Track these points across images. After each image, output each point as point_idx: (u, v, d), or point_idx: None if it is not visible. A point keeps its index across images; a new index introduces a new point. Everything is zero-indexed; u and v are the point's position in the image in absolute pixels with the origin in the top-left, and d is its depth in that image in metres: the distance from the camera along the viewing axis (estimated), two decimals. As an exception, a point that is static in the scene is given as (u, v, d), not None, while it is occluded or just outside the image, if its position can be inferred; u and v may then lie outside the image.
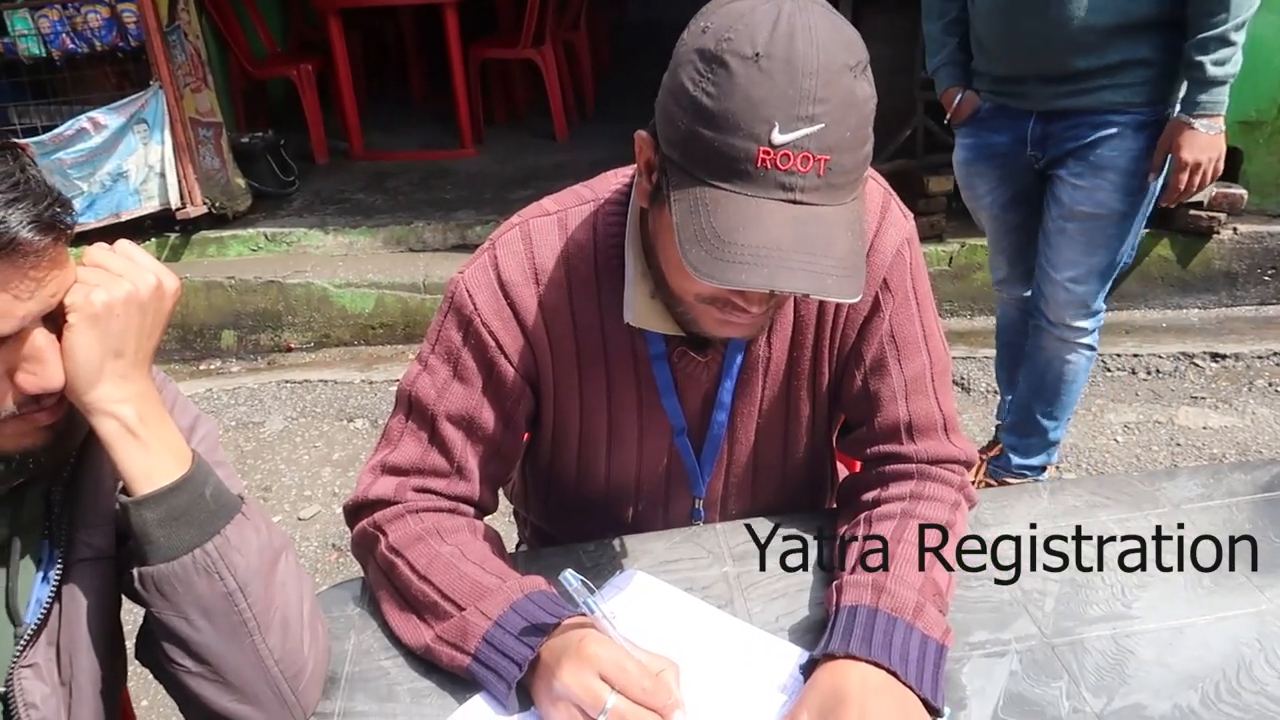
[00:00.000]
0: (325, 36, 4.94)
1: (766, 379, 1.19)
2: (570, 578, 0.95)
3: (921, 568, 1.05)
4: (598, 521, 1.31)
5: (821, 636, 1.01)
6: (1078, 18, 2.04)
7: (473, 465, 1.15)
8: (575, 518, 1.33)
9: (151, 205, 4.03)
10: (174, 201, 4.02)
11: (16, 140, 0.93)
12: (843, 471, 1.43)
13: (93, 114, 3.85)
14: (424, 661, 1.06)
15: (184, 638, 0.92)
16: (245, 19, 5.02)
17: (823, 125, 0.84)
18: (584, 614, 0.99)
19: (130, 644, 1.05)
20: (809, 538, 1.21)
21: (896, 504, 1.13)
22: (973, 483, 1.21)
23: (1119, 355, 3.47)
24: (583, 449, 1.23)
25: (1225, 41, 1.95)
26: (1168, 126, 2.08)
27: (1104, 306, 2.38)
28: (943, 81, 2.42)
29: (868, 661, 0.94)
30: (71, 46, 3.88)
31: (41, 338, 0.85)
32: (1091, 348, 2.42)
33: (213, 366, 3.90)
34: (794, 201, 0.85)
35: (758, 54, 0.84)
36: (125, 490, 0.90)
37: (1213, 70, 1.97)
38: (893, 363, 1.15)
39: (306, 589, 1.02)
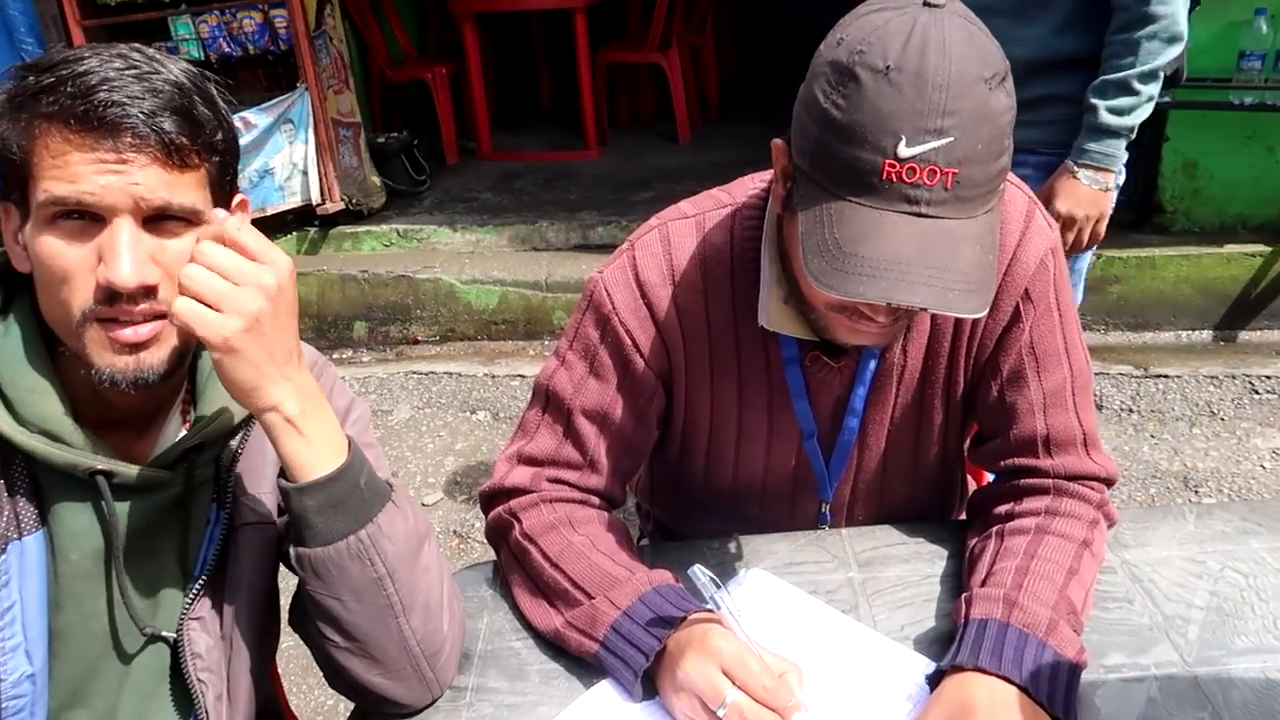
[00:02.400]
0: (459, 40, 5.10)
1: (900, 386, 1.18)
2: (699, 573, 0.97)
3: (1056, 585, 1.02)
4: (722, 520, 1.32)
5: (948, 648, 1.00)
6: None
7: (604, 459, 1.18)
8: (700, 515, 1.35)
9: (294, 201, 4.25)
10: (314, 198, 4.23)
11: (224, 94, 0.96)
12: (972, 483, 1.40)
13: (244, 114, 4.07)
14: (553, 646, 1.10)
15: (336, 616, 0.97)
16: (385, 23, 5.22)
17: (952, 139, 0.83)
18: (710, 610, 1.00)
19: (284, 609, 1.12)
20: (938, 547, 1.19)
21: (1031, 519, 1.11)
22: None
23: (1268, 378, 3.28)
24: (711, 448, 1.25)
25: (1126, 89, 1.74)
26: (1056, 170, 1.87)
27: None
28: None
29: (997, 676, 0.93)
30: (228, 50, 4.12)
31: (125, 230, 0.85)
32: None
33: (345, 356, 4.08)
34: (919, 214, 0.85)
35: (888, 67, 0.84)
36: (286, 475, 0.95)
37: (1107, 117, 1.76)
38: (1031, 375, 1.13)
39: (445, 572, 1.06)
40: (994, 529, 1.12)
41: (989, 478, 1.43)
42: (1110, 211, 1.87)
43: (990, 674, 0.93)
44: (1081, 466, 1.14)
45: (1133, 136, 1.81)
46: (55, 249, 0.86)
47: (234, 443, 1.02)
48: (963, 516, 1.32)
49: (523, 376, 3.70)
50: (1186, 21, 1.74)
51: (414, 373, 3.79)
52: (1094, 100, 1.77)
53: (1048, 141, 1.87)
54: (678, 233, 1.15)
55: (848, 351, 1.14)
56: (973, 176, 0.85)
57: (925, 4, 0.87)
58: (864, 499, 1.29)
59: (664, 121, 5.37)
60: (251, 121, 4.09)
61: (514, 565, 1.16)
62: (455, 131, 5.20)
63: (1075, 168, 1.82)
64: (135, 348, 0.89)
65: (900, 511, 1.29)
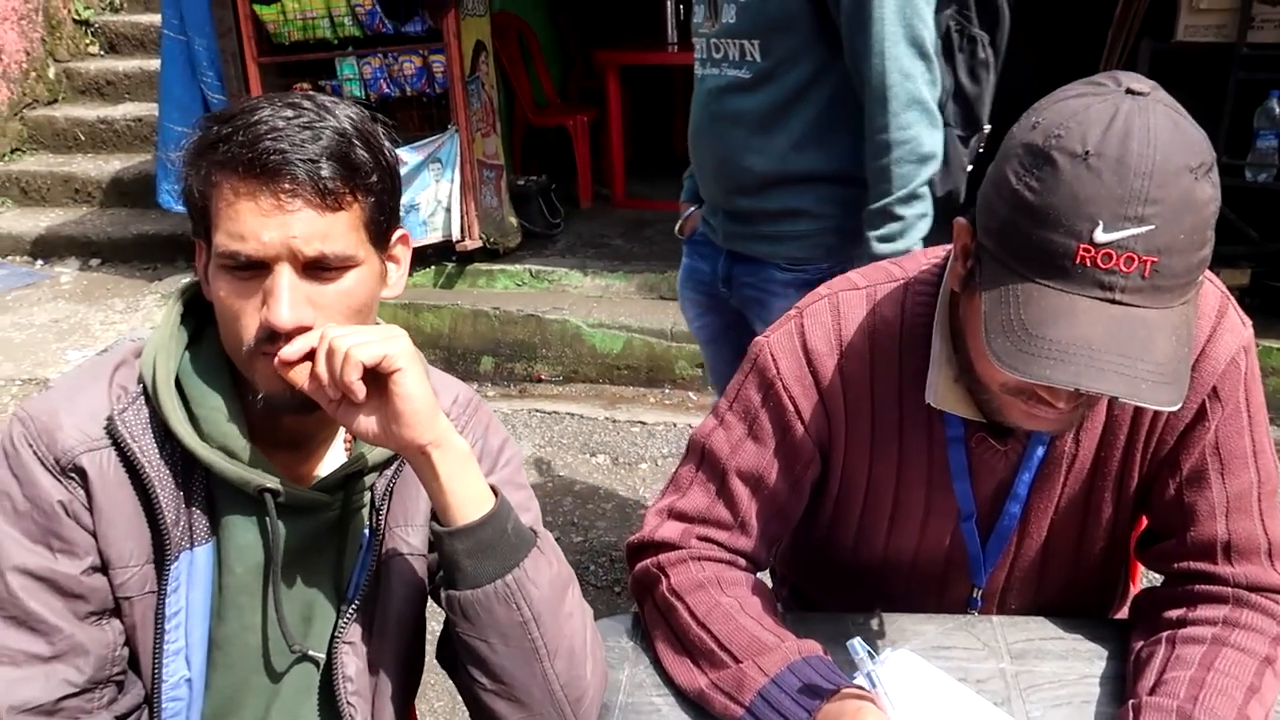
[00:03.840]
0: (601, 88, 5.25)
1: (1069, 476, 1.14)
2: (858, 646, 0.95)
3: (1235, 702, 0.97)
4: (865, 594, 1.30)
5: None
6: (737, 157, 1.79)
7: (755, 521, 1.18)
8: (841, 586, 1.33)
9: (436, 236, 4.41)
10: (455, 234, 4.38)
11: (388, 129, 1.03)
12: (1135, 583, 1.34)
13: (397, 151, 4.28)
14: (694, 705, 1.09)
15: (483, 658, 0.99)
16: (532, 70, 5.42)
17: (1153, 226, 0.82)
18: (860, 687, 0.99)
19: (431, 645, 1.15)
20: (1097, 646, 1.14)
21: (1207, 628, 1.05)
22: None
23: None
24: (864, 521, 1.23)
25: (890, 216, 1.66)
26: None
27: None
28: (683, 193, 2.21)
29: None
30: (387, 90, 4.34)
31: (285, 277, 0.92)
32: None
33: (473, 388, 4.19)
34: (1113, 301, 0.83)
35: (1088, 152, 0.83)
36: (438, 519, 0.98)
37: (877, 246, 1.66)
38: (1214, 476, 1.08)
39: (589, 618, 1.07)
40: (1164, 634, 1.07)
41: (1144, 577, 1.36)
42: None
43: None
44: (1265, 578, 1.07)
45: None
46: (228, 290, 0.94)
47: (389, 472, 1.06)
48: (1123, 614, 1.26)
49: (643, 423, 3.73)
50: (939, 140, 1.67)
51: (537, 410, 3.86)
52: (865, 230, 1.69)
53: (795, 257, 1.82)
54: (847, 303, 1.15)
55: (1015, 435, 1.12)
56: (1172, 266, 0.83)
57: (1129, 91, 0.86)
58: (1018, 588, 1.24)
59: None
60: (403, 159, 4.28)
61: (658, 620, 1.16)
62: (591, 177, 5.32)
63: None
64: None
65: (1056, 605, 1.24)
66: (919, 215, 1.69)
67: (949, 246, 1.06)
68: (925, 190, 1.68)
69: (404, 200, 4.31)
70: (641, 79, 5.89)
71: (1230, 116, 3.34)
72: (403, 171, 4.33)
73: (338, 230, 0.93)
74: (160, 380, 0.98)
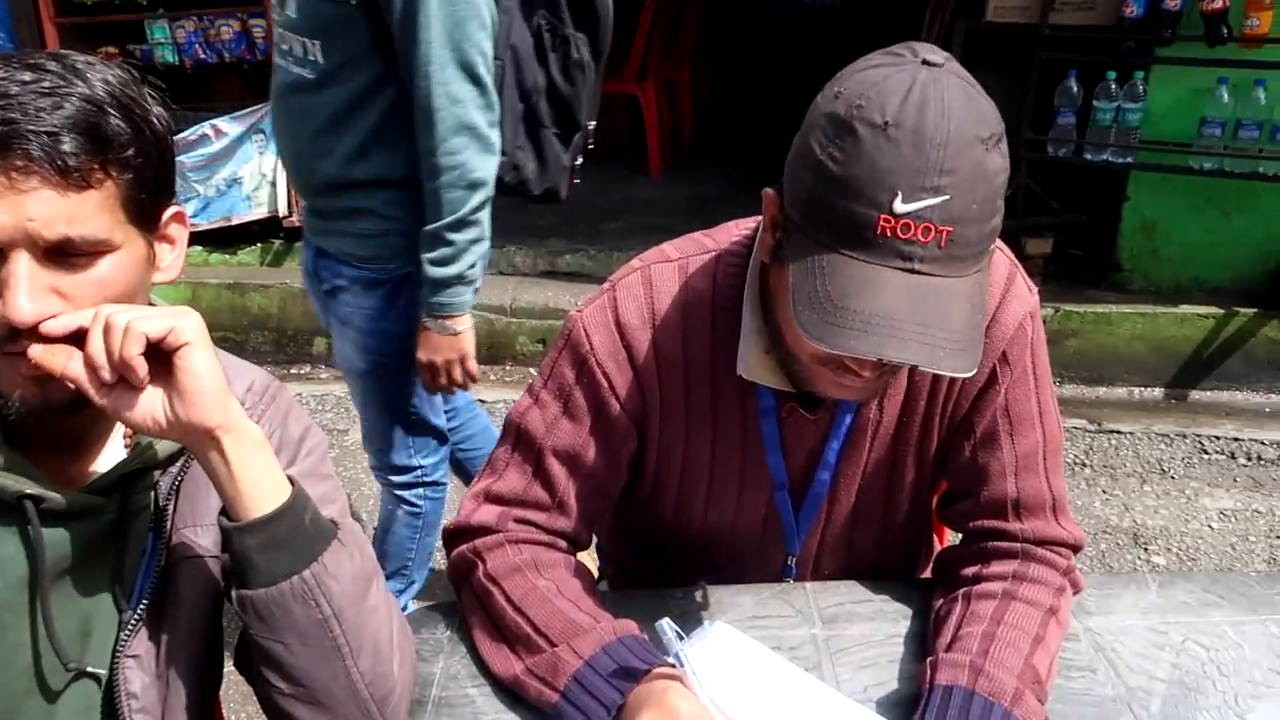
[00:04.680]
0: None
1: (874, 442, 1.17)
2: (666, 627, 0.95)
3: (1022, 653, 1.02)
4: (685, 566, 1.30)
5: (912, 712, 1.00)
6: (307, 156, 1.80)
7: (573, 501, 1.16)
8: (663, 560, 1.33)
9: (260, 212, 4.18)
10: (281, 209, 4.17)
11: (148, 81, 0.93)
12: (938, 543, 1.40)
13: (215, 121, 4.02)
14: (510, 694, 1.07)
15: (280, 661, 0.93)
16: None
17: (948, 197, 0.84)
18: (673, 665, 0.98)
19: (229, 650, 1.08)
20: (902, 606, 1.19)
21: (998, 583, 1.11)
22: None
23: (1218, 438, 3.35)
24: (681, 495, 1.23)
25: (441, 240, 1.68)
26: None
27: (420, 464, 2.09)
28: None
29: None
30: (203, 57, 4.07)
31: (21, 265, 0.82)
32: (410, 504, 2.14)
33: (303, 371, 4.01)
34: (912, 271, 0.85)
35: (887, 123, 0.84)
36: (227, 514, 0.91)
37: (430, 269, 1.69)
38: (1005, 437, 1.13)
39: (395, 612, 1.03)
40: (960, 591, 1.12)
41: (951, 537, 1.43)
42: (473, 350, 1.82)
43: None
44: (1050, 531, 1.14)
45: (475, 283, 1.76)
46: None
47: (175, 469, 0.98)
48: (928, 575, 1.32)
49: (483, 401, 3.66)
50: (491, 165, 1.69)
51: (373, 392, 3.73)
52: (421, 253, 1.71)
53: (358, 255, 1.81)
54: (660, 276, 1.13)
55: (824, 404, 1.14)
56: (966, 235, 0.86)
57: (924, 62, 0.88)
58: (830, 553, 1.28)
59: (637, 154, 5.38)
60: (222, 129, 4.03)
61: (475, 607, 1.13)
62: (427, 150, 5.16)
63: (425, 319, 1.76)
64: (39, 380, 0.85)
65: (866, 567, 1.28)
66: (471, 240, 1.70)
67: (760, 217, 1.07)
68: (480, 217, 1.69)
69: (225, 173, 4.11)
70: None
71: (1035, 94, 3.54)
72: (223, 144, 4.07)
73: (85, 211, 0.83)
74: None
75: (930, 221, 0.84)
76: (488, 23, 1.63)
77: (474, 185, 1.65)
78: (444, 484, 2.21)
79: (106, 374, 0.83)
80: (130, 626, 0.96)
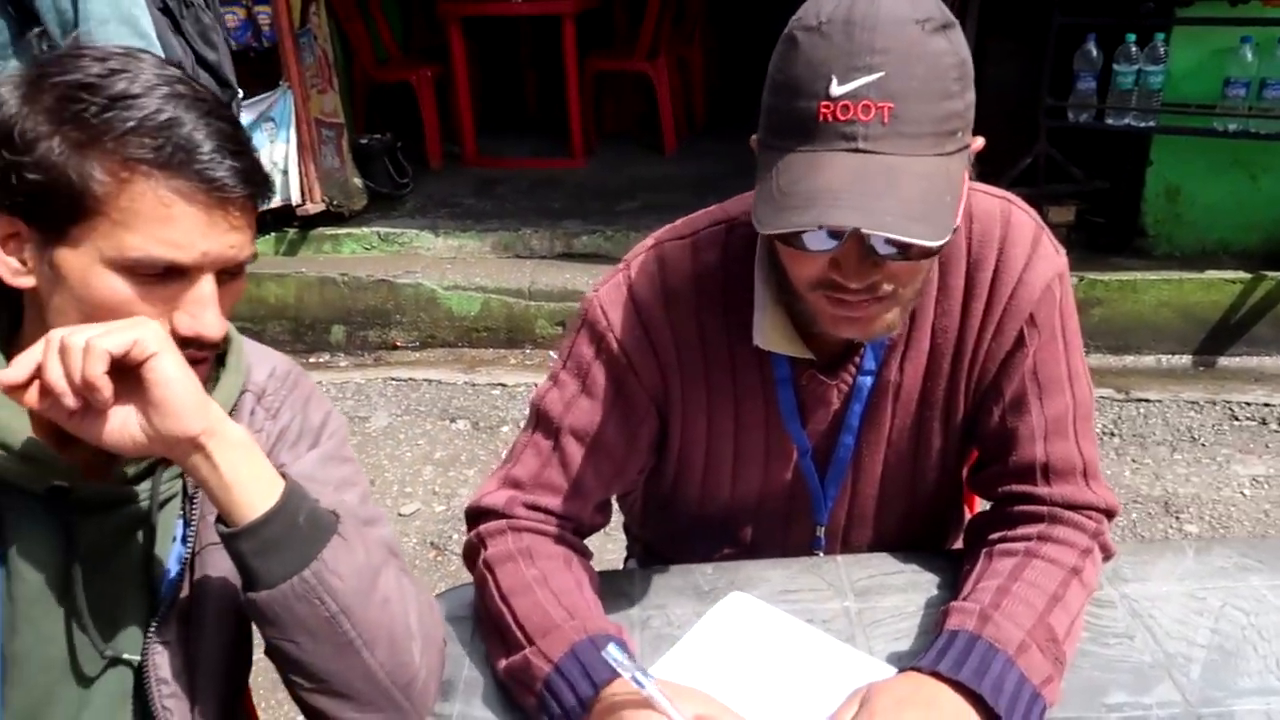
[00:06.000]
0: (445, 43, 5.06)
1: (897, 406, 1.15)
2: (613, 653, 0.92)
3: (1036, 609, 1.00)
4: (714, 543, 1.29)
5: None
6: None
7: (591, 482, 1.15)
8: (692, 539, 1.32)
9: (274, 201, 4.18)
10: (295, 198, 4.17)
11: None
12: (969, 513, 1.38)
13: (226, 111, 4.02)
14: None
15: (295, 659, 0.93)
16: (370, 23, 5.17)
17: (883, 74, 0.84)
18: (644, 670, 0.94)
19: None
20: (935, 576, 1.17)
21: (1021, 543, 1.09)
22: None
23: (1248, 404, 3.30)
24: (708, 471, 1.22)
25: None
26: None
27: None
28: None
29: (950, 683, 0.93)
30: (211, 46, 4.06)
31: (209, 285, 0.87)
32: None
33: (322, 360, 4.02)
34: (856, 150, 0.86)
35: (820, 23, 0.87)
36: (223, 520, 0.90)
37: None
38: (1034, 401, 1.11)
39: (412, 598, 1.01)
40: (983, 550, 1.11)
41: (982, 508, 1.41)
42: None
43: (946, 680, 0.93)
44: (1080, 496, 1.11)
45: None
46: (125, 295, 0.85)
47: None
48: (959, 545, 1.30)
49: (504, 385, 3.66)
50: None
51: (393, 379, 3.74)
52: None
53: None
54: (673, 253, 1.12)
55: (844, 369, 1.12)
56: (910, 112, 0.85)
57: None
58: (859, 524, 1.26)
59: (650, 132, 5.35)
60: (233, 119, 4.03)
61: (478, 593, 1.13)
62: (440, 135, 5.15)
63: None
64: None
65: (896, 539, 1.26)
66: None
67: None
68: None
69: (237, 164, 4.10)
70: (488, 31, 5.72)
71: (1054, 60, 3.48)
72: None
73: (251, 234, 0.90)
74: None
75: (869, 99, 0.84)
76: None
77: None
78: None
79: (70, 400, 0.80)
80: (161, 613, 0.97)
